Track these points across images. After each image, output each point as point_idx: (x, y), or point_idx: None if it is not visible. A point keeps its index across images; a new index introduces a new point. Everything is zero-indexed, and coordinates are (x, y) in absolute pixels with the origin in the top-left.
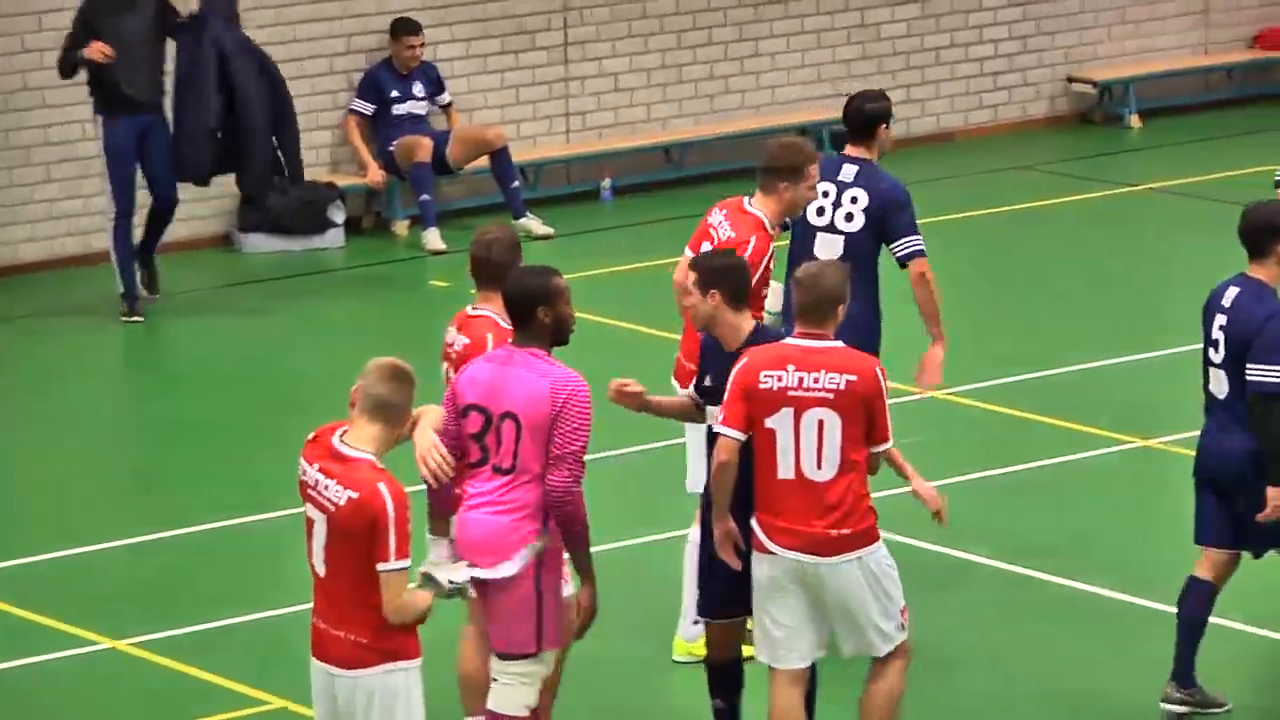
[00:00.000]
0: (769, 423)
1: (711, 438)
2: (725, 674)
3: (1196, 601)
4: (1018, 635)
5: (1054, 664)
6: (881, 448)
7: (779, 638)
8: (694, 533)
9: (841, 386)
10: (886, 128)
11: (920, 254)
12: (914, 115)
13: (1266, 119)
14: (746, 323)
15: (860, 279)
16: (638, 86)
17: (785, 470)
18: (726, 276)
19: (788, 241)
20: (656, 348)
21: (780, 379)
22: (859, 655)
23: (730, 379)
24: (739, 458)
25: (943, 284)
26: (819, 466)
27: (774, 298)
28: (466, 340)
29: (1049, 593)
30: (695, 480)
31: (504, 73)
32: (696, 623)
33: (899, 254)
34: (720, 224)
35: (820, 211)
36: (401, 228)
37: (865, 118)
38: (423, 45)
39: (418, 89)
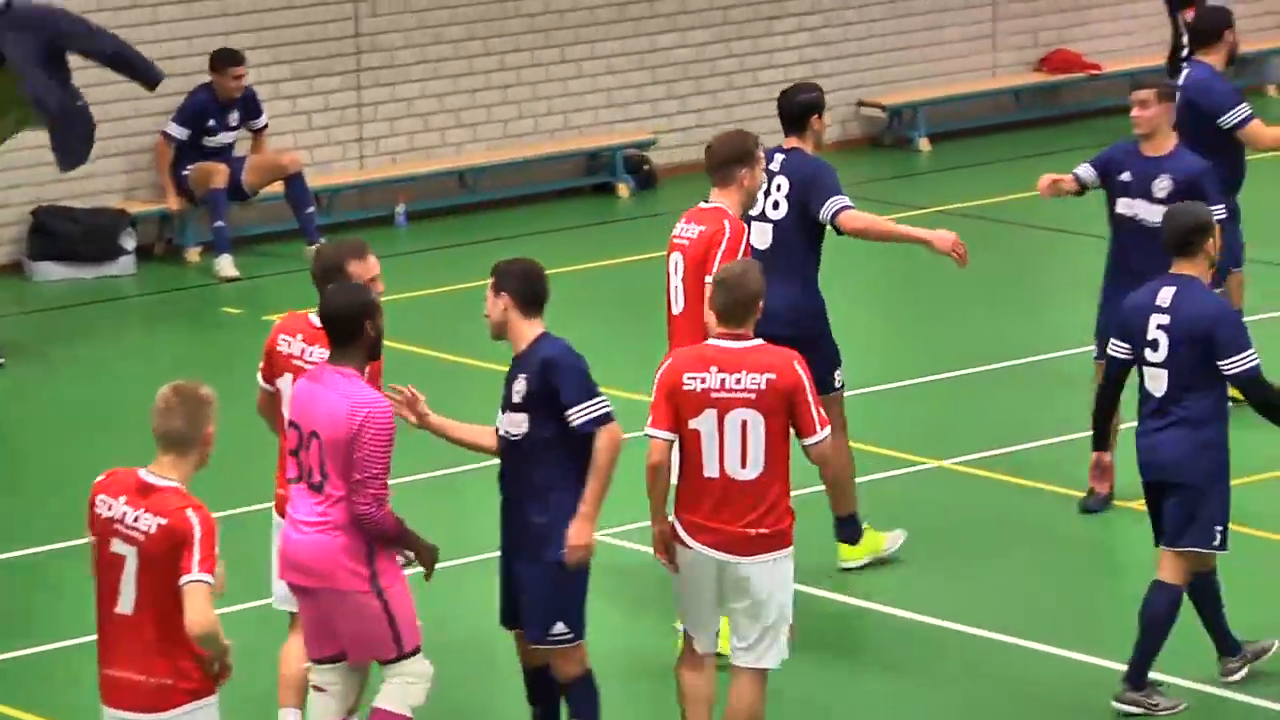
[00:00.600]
0: (693, 423)
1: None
2: (535, 681)
3: (1158, 603)
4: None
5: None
6: (812, 440)
7: (698, 621)
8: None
9: (763, 386)
10: (819, 117)
11: (846, 208)
12: (706, 140)
13: (1053, 141)
14: (534, 329)
15: (792, 265)
16: (431, 112)
17: (710, 469)
18: (517, 279)
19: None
20: (455, 373)
21: (704, 380)
22: (737, 654)
23: (655, 381)
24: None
25: None
26: (743, 466)
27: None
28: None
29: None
30: None
31: (297, 98)
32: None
33: (824, 217)
34: (683, 229)
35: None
36: (194, 254)
37: (798, 109)
38: (244, 75)
39: (233, 118)
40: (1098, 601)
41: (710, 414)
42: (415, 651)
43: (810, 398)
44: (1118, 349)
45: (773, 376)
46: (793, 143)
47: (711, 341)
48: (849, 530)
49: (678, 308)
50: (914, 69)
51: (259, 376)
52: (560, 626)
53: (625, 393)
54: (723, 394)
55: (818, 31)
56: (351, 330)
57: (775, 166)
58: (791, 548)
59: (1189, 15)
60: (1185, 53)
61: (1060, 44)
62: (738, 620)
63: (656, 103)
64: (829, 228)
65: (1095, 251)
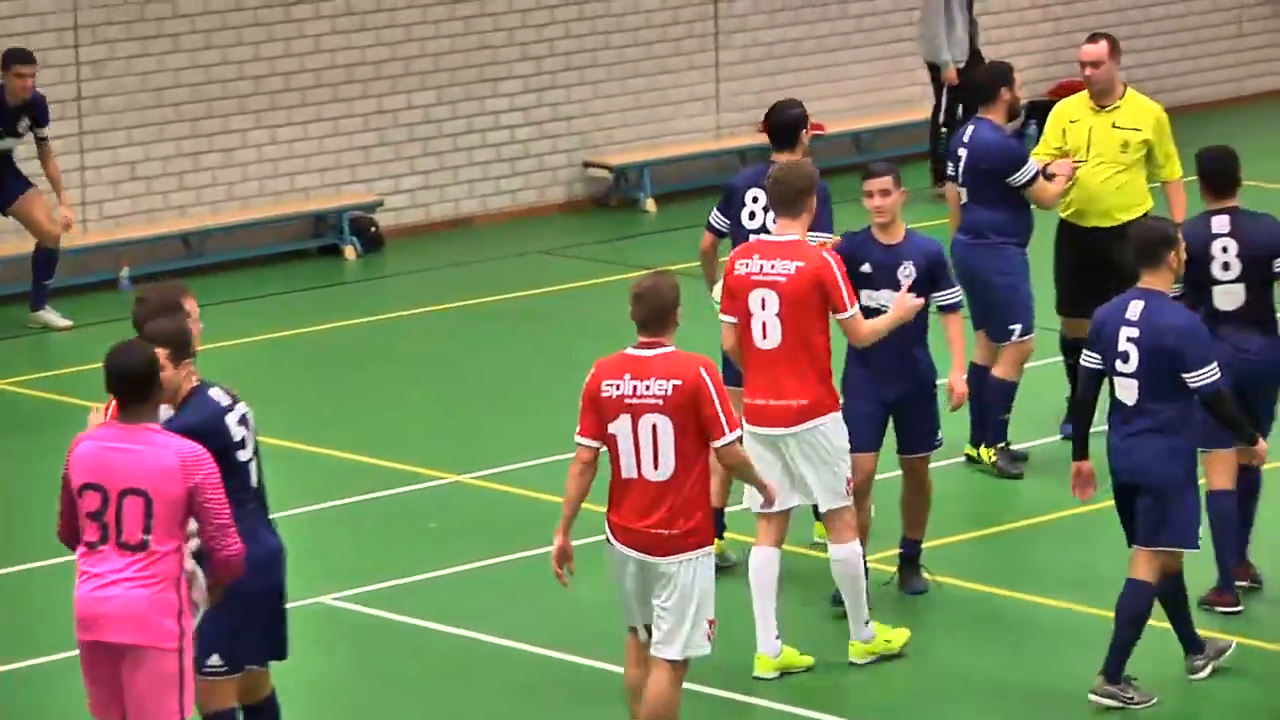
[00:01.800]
0: (611, 428)
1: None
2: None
3: (1132, 601)
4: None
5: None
6: (720, 442)
7: (629, 619)
8: (757, 552)
9: (669, 392)
10: (806, 131)
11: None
12: (433, 201)
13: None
14: (187, 381)
15: None
16: (154, 175)
17: (628, 472)
18: (167, 337)
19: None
20: None
21: (618, 387)
22: (660, 649)
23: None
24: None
25: (459, 370)
26: (655, 468)
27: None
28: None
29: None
30: (753, 499)
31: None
32: (778, 638)
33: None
34: (764, 266)
35: (752, 216)
36: None
37: (788, 124)
38: (32, 75)
39: (22, 125)
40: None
41: (625, 419)
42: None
43: (716, 402)
44: (1090, 360)
45: (679, 382)
46: (784, 157)
47: (629, 351)
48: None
49: (770, 343)
50: (639, 129)
51: None
52: (214, 658)
53: (351, 454)
54: (634, 400)
55: (543, 93)
56: (145, 387)
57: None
58: (710, 545)
59: (950, 75)
60: (959, 112)
61: None
62: (659, 615)
63: (384, 164)
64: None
65: None
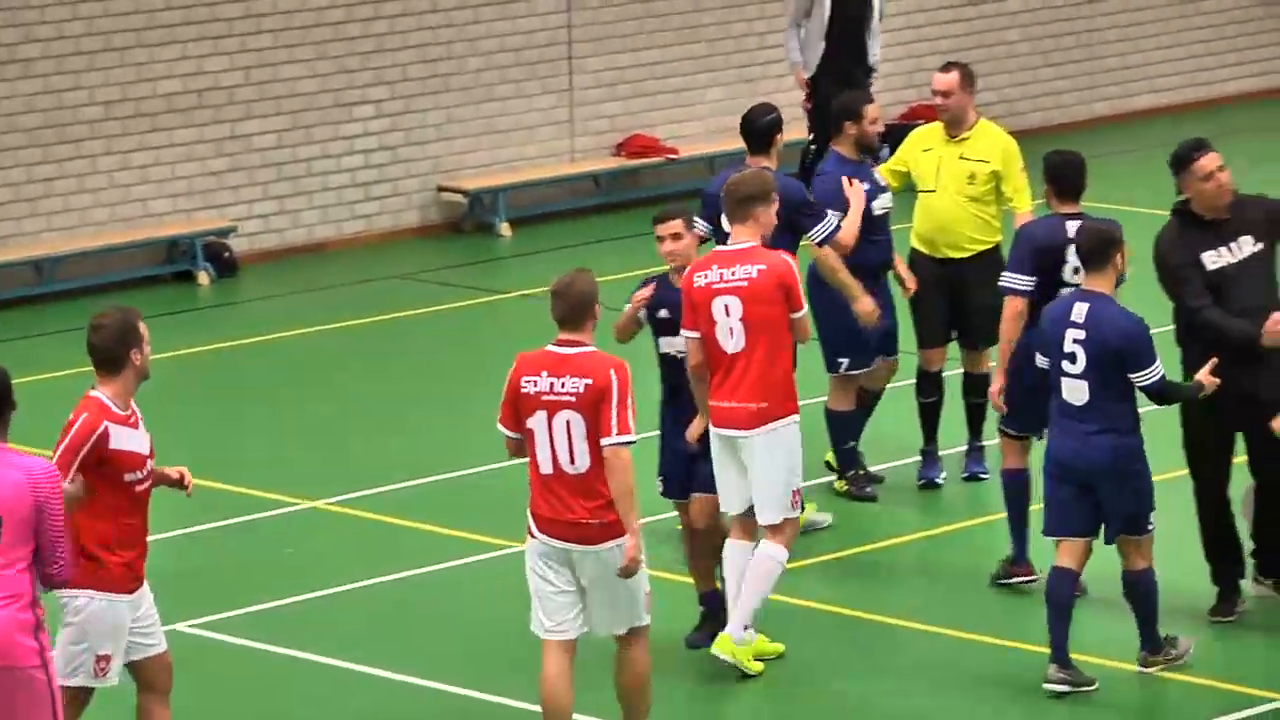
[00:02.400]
0: (529, 423)
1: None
2: None
3: (1064, 587)
4: None
5: None
6: (608, 441)
7: (554, 614)
8: (729, 544)
9: (581, 390)
10: (780, 134)
11: (830, 238)
12: (287, 227)
13: (632, 224)
14: None
15: None
16: (6, 201)
17: (545, 466)
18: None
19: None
20: None
21: (536, 384)
22: (609, 633)
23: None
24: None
25: (314, 395)
26: (572, 462)
27: None
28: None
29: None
30: (727, 501)
31: None
32: (747, 628)
33: (814, 239)
34: (723, 274)
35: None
36: None
37: (763, 129)
38: None
39: None
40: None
41: (541, 415)
42: None
43: (615, 403)
44: (1041, 361)
45: (590, 381)
46: (760, 161)
47: (549, 348)
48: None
49: (734, 346)
50: (494, 154)
51: None
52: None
53: (207, 481)
54: (550, 396)
55: (397, 118)
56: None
57: None
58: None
59: (798, 78)
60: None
61: (637, 129)
62: (595, 603)
63: (237, 189)
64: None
65: None
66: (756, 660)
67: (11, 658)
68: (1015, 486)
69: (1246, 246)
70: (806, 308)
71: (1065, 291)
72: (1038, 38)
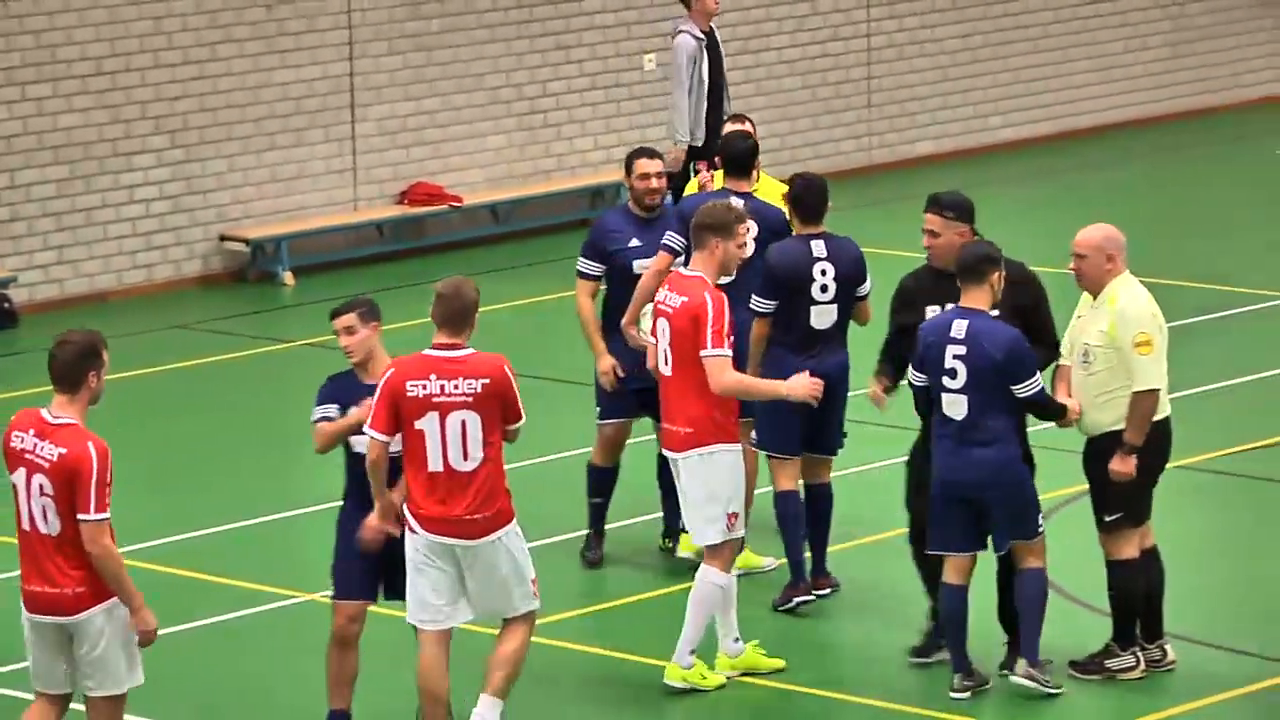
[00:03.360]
0: (418, 424)
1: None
2: None
3: (956, 603)
4: None
5: None
6: (516, 425)
7: (434, 605)
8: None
9: (479, 390)
10: (757, 158)
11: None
12: (68, 277)
13: (418, 273)
14: None
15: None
16: None
17: (435, 464)
18: None
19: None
20: None
21: (425, 387)
22: (493, 616)
23: (379, 387)
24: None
25: (138, 455)
26: (464, 459)
27: (646, 320)
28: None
29: None
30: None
31: None
32: (737, 640)
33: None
34: (666, 297)
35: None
36: None
37: (743, 154)
38: None
39: None
40: None
41: (433, 415)
42: None
43: (516, 392)
44: (917, 378)
45: (487, 381)
46: (739, 185)
47: (429, 352)
48: None
49: (667, 370)
50: (276, 203)
51: None
52: None
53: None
54: (442, 398)
55: (179, 166)
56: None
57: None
58: (514, 521)
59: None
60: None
61: (421, 177)
62: (481, 594)
63: (16, 240)
64: None
65: None
66: (729, 675)
67: None
68: (784, 507)
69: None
70: (718, 350)
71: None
72: (815, 85)
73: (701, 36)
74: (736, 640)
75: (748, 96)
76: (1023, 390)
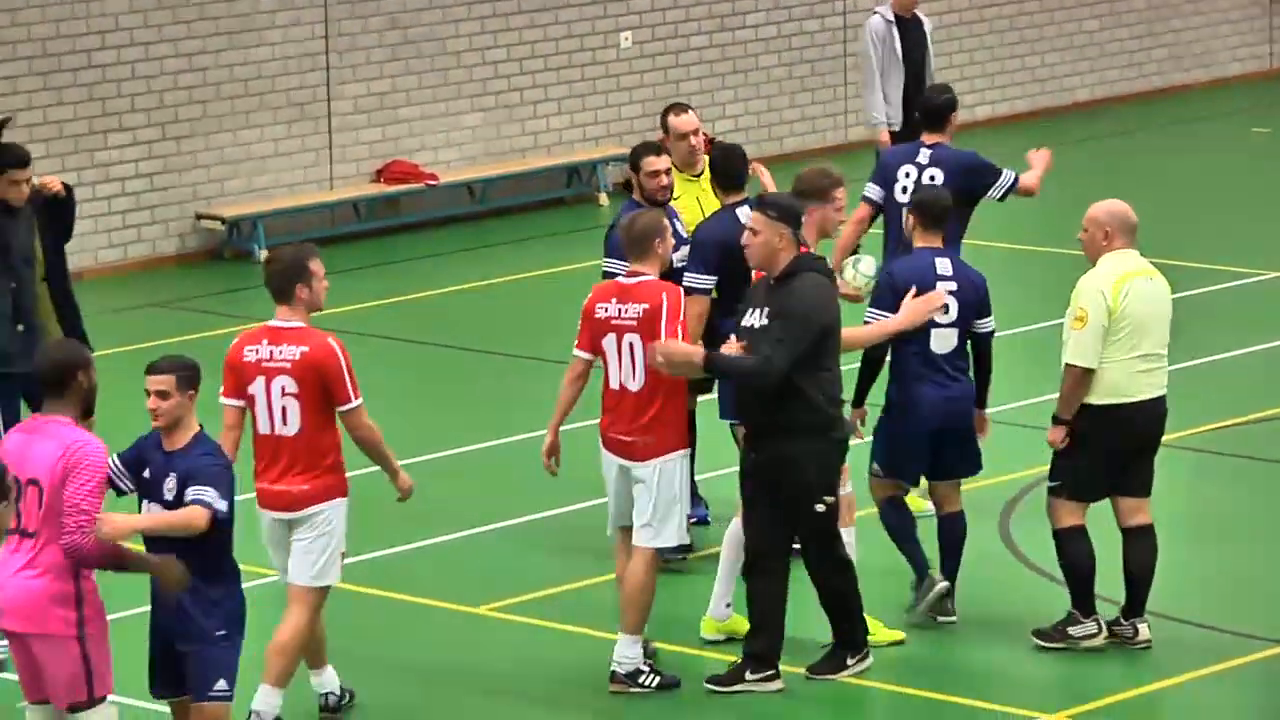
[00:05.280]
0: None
1: None
2: None
3: (908, 518)
4: None
5: None
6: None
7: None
8: (735, 522)
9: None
10: (955, 114)
11: (1018, 176)
12: None
13: (392, 250)
14: None
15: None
16: None
17: (263, 428)
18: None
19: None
20: None
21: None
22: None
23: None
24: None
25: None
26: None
27: (849, 270)
28: (303, 349)
29: None
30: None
31: None
32: (728, 605)
33: (996, 195)
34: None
35: (905, 190)
36: None
37: (938, 107)
38: None
39: None
40: None
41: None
42: (103, 699)
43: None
44: (875, 315)
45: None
46: (934, 138)
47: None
48: None
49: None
50: (252, 181)
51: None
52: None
53: None
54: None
55: (154, 145)
56: (63, 381)
57: (924, 159)
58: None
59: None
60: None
61: (397, 155)
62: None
63: None
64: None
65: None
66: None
67: (43, 625)
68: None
69: None
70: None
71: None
72: (792, 63)
73: (892, 19)
74: (729, 606)
75: (724, 74)
76: (985, 325)
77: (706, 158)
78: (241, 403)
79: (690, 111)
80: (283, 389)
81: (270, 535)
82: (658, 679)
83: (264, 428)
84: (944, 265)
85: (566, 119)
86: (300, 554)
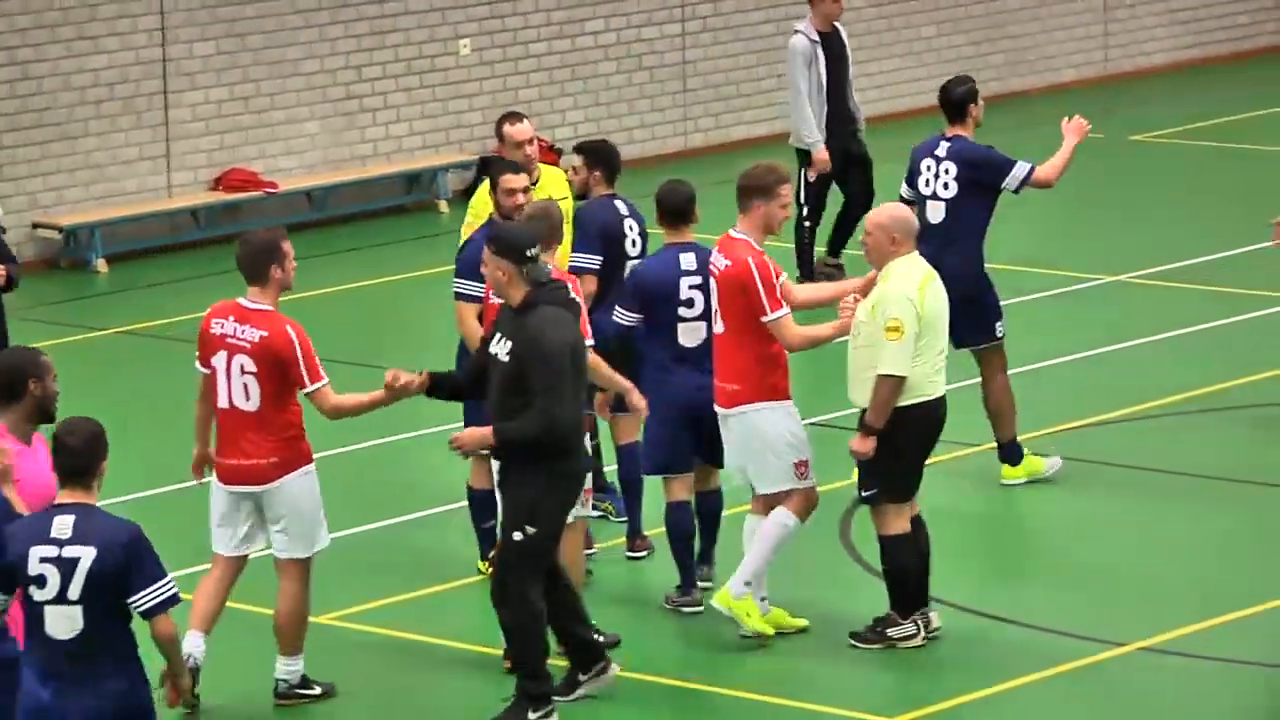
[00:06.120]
0: (213, 361)
1: None
2: None
3: (685, 519)
4: None
5: None
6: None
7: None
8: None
9: (256, 340)
10: (975, 105)
11: (1034, 167)
12: None
13: (231, 258)
14: None
15: (964, 235)
16: None
17: (222, 401)
18: None
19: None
20: None
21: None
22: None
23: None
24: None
25: None
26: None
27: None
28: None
29: None
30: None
31: None
32: (764, 599)
33: (1010, 185)
34: (716, 258)
35: (926, 183)
36: None
37: (958, 99)
38: None
39: None
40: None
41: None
42: None
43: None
44: (626, 320)
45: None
46: (955, 130)
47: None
48: (1010, 452)
49: (719, 328)
50: (89, 189)
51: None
52: None
53: None
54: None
55: None
56: (11, 388)
57: (942, 152)
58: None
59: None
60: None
61: (235, 163)
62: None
63: None
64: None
65: None
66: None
67: None
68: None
69: None
70: (778, 313)
71: (683, 327)
72: (631, 70)
73: (817, 38)
74: (747, 584)
75: (563, 81)
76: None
77: (542, 166)
78: (209, 370)
79: (525, 120)
80: (242, 367)
81: (228, 511)
82: None
83: (224, 402)
84: (688, 260)
85: (406, 126)
86: (281, 532)
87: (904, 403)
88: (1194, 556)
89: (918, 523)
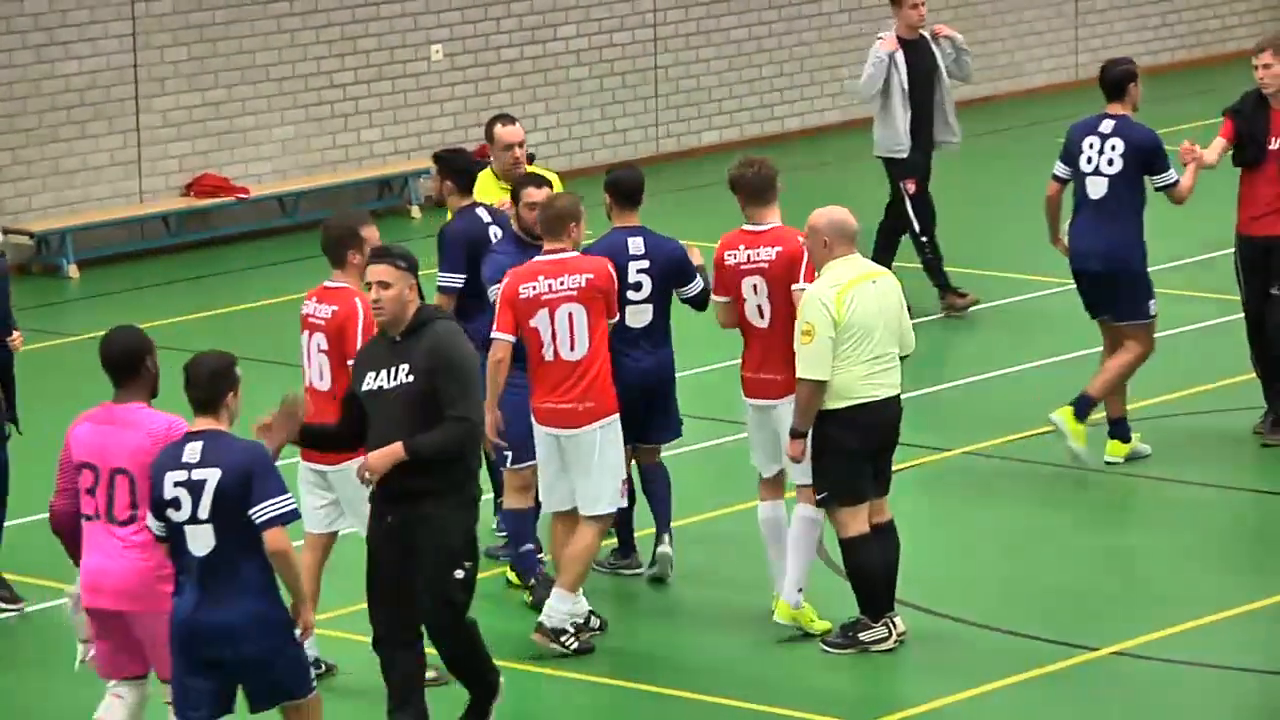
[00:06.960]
0: (301, 340)
1: None
2: None
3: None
4: None
5: None
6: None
7: None
8: (762, 506)
9: (329, 315)
10: (1135, 85)
11: (1175, 184)
12: None
13: (207, 264)
14: None
15: (1122, 210)
16: None
17: (307, 380)
18: None
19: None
20: None
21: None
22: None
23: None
24: None
25: None
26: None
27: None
28: (334, 308)
29: None
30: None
31: None
32: (800, 590)
33: (1158, 186)
34: (758, 253)
35: (1089, 160)
36: None
37: (1117, 78)
38: None
39: None
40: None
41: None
42: None
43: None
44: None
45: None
46: (1116, 109)
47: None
48: (1120, 429)
49: (763, 322)
50: (60, 195)
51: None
52: None
53: None
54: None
55: None
56: (131, 366)
57: (1107, 130)
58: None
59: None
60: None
61: (207, 169)
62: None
63: None
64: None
65: None
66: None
67: (151, 603)
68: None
69: None
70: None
71: (630, 309)
72: (602, 75)
73: (896, 46)
74: (799, 591)
75: (535, 86)
76: (689, 291)
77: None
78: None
79: (517, 123)
80: (318, 346)
81: (307, 490)
82: (576, 644)
83: (307, 380)
84: (636, 244)
85: (377, 132)
86: (341, 510)
87: (838, 405)
88: (1172, 560)
89: (889, 528)
